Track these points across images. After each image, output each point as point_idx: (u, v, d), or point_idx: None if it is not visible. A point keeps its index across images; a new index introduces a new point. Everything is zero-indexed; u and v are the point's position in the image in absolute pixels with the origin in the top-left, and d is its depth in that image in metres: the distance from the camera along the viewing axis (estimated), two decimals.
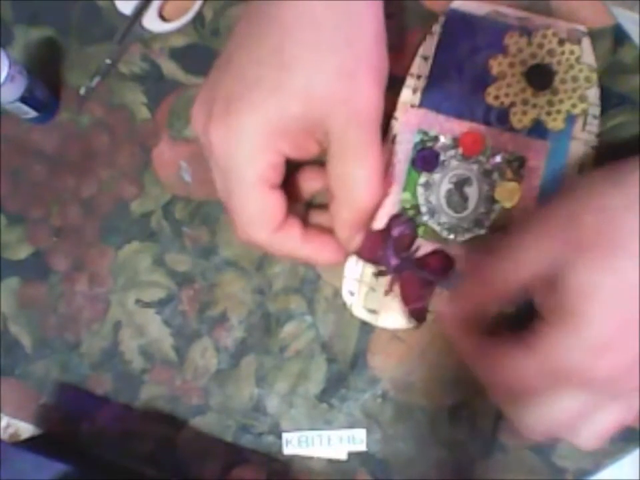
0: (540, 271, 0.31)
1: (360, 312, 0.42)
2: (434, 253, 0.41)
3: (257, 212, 0.34)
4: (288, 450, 0.42)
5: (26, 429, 0.44)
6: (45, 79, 0.45)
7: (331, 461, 0.42)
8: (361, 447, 0.42)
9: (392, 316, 0.41)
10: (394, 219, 0.41)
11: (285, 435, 0.42)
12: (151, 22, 0.46)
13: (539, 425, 0.32)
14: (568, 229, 0.31)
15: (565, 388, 0.31)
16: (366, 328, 0.42)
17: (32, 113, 0.44)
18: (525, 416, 0.33)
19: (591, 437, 0.32)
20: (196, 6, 0.46)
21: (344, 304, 0.42)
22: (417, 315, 0.41)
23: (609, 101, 0.41)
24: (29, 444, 0.43)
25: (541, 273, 0.31)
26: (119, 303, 0.44)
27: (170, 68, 0.46)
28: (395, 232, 0.40)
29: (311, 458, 0.42)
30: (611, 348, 0.29)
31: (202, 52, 0.46)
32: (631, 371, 0.30)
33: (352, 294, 0.42)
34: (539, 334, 0.31)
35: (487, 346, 0.33)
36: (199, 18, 0.46)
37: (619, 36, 0.42)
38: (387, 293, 0.41)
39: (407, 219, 0.41)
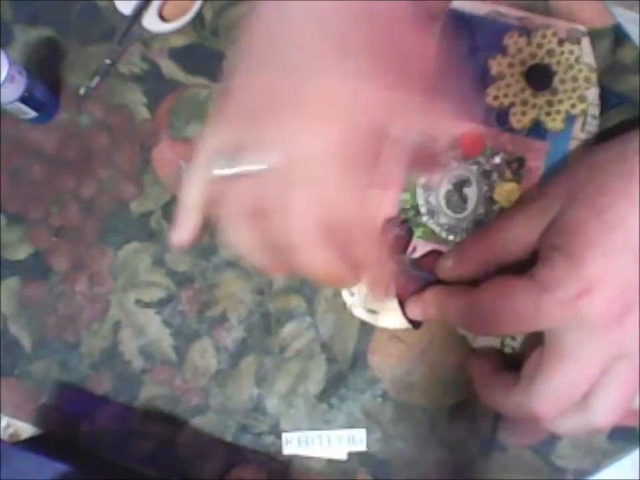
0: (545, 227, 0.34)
1: (360, 312, 0.42)
2: (430, 253, 0.41)
3: None
4: (288, 450, 0.42)
5: (26, 429, 0.44)
6: (45, 78, 0.45)
7: (330, 461, 0.42)
8: (361, 447, 0.42)
9: (392, 316, 0.41)
10: (389, 222, 0.41)
11: (284, 435, 0.42)
12: (151, 22, 0.46)
13: (553, 394, 0.32)
14: (567, 185, 0.34)
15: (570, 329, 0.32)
16: (366, 328, 0.42)
17: (32, 113, 0.44)
18: (540, 385, 0.33)
19: (605, 409, 0.32)
20: (196, 6, 0.46)
21: (344, 304, 0.42)
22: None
23: (609, 101, 0.41)
24: (29, 444, 0.43)
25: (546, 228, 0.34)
26: (119, 303, 0.44)
27: (170, 68, 0.46)
28: (391, 234, 0.40)
29: (310, 458, 0.42)
30: (604, 281, 0.31)
31: (202, 52, 0.46)
32: (630, 309, 0.31)
33: (352, 294, 0.42)
34: (540, 271, 0.32)
35: (495, 284, 0.34)
36: (198, 18, 0.46)
37: (618, 36, 0.42)
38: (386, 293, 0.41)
39: (401, 221, 0.41)
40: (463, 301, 0.35)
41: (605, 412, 0.32)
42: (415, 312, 0.38)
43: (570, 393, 0.32)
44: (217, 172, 0.28)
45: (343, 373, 0.42)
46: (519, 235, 0.35)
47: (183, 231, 0.31)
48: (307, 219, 0.28)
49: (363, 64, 0.27)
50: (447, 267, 0.37)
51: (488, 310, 0.33)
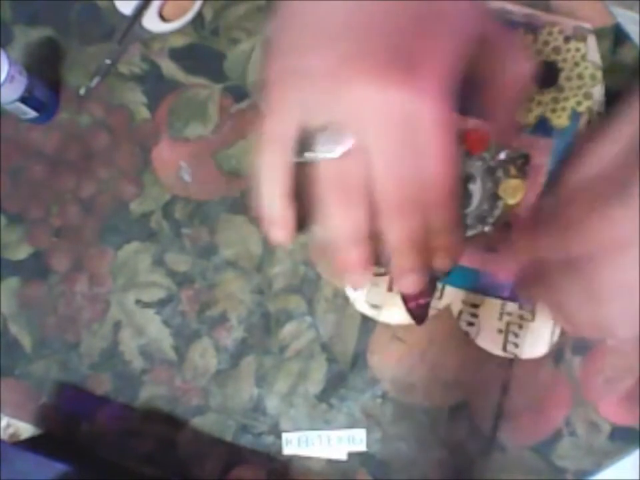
0: None
1: (363, 307, 0.42)
2: None
3: None
4: (288, 450, 0.42)
5: (26, 429, 0.44)
6: (45, 78, 0.45)
7: (330, 461, 0.42)
8: (361, 447, 0.42)
9: (394, 311, 0.41)
10: None
11: (284, 435, 0.42)
12: (151, 22, 0.46)
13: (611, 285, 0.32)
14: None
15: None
16: (366, 328, 0.42)
17: (32, 113, 0.44)
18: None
19: None
20: (196, 6, 0.46)
21: (344, 304, 0.42)
22: (418, 312, 0.41)
23: (609, 100, 0.41)
24: (29, 444, 0.43)
25: None
26: (119, 303, 0.44)
27: (170, 68, 0.46)
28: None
29: (310, 458, 0.42)
30: None
31: (202, 52, 0.46)
32: None
33: (355, 289, 0.42)
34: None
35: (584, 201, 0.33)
36: (198, 18, 0.46)
37: (618, 36, 0.42)
38: (389, 288, 0.41)
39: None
40: (550, 226, 0.33)
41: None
42: (507, 264, 0.37)
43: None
44: (316, 155, 0.27)
45: (343, 373, 0.42)
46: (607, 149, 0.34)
47: (285, 226, 0.29)
48: (396, 189, 0.27)
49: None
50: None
51: (580, 224, 0.32)
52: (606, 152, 0.34)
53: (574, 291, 0.33)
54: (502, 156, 0.41)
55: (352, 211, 0.28)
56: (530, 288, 0.35)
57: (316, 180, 0.28)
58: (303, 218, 0.29)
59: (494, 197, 0.41)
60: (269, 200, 0.29)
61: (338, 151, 0.27)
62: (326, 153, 0.27)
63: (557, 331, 0.41)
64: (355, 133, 0.27)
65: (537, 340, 0.41)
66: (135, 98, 0.46)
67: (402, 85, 0.26)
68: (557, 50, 0.41)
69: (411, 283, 0.31)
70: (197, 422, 0.43)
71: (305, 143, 0.27)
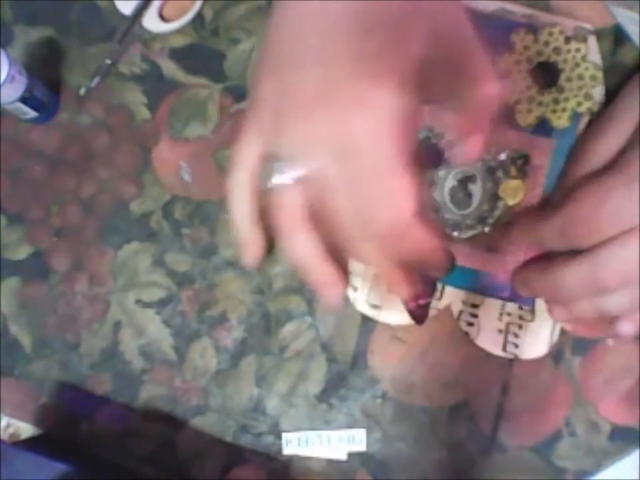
0: None
1: (363, 307, 0.42)
2: None
3: None
4: (288, 450, 0.42)
5: (26, 429, 0.44)
6: (45, 78, 0.45)
7: (330, 461, 0.42)
8: (361, 447, 0.42)
9: (394, 311, 0.41)
10: None
11: (284, 435, 0.42)
12: (151, 22, 0.46)
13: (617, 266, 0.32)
14: None
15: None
16: (366, 328, 0.42)
17: (32, 113, 0.44)
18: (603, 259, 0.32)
19: None
20: (196, 6, 0.46)
21: (344, 303, 0.42)
22: (418, 312, 0.41)
23: (609, 101, 0.41)
24: (29, 444, 0.43)
25: None
26: (119, 303, 0.44)
27: (170, 68, 0.46)
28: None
29: (310, 458, 0.42)
30: None
31: (202, 52, 0.46)
32: None
33: (355, 289, 0.42)
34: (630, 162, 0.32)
35: (586, 192, 0.33)
36: (198, 18, 0.46)
37: (618, 36, 0.42)
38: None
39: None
40: (555, 220, 0.33)
41: None
42: (506, 247, 0.37)
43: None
44: (272, 182, 0.27)
45: (343, 373, 0.42)
46: (610, 142, 0.34)
47: (251, 249, 0.30)
48: (352, 219, 0.27)
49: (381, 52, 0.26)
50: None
51: (586, 218, 0.32)
52: (610, 145, 0.34)
53: (577, 282, 0.33)
54: (502, 156, 0.41)
55: (307, 237, 0.28)
56: (531, 282, 0.35)
57: (274, 206, 0.28)
58: (272, 240, 0.29)
59: (494, 198, 0.41)
60: (237, 222, 0.29)
61: (289, 177, 0.27)
62: (280, 180, 0.27)
63: (557, 331, 0.41)
64: (306, 160, 0.26)
65: (537, 340, 0.41)
66: (135, 98, 0.46)
67: (350, 111, 0.26)
68: (557, 50, 0.41)
69: (404, 291, 0.30)
70: (197, 422, 0.43)
71: (269, 169, 0.27)
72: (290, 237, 0.28)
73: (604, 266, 0.32)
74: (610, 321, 0.34)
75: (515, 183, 0.41)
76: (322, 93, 0.26)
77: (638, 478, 0.40)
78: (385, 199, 0.27)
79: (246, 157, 0.29)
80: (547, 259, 0.34)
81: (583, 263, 0.32)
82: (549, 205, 0.34)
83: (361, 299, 0.42)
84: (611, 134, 0.35)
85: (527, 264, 0.36)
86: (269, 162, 0.27)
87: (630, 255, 0.31)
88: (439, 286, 0.41)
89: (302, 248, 0.28)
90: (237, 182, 0.29)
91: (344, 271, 0.29)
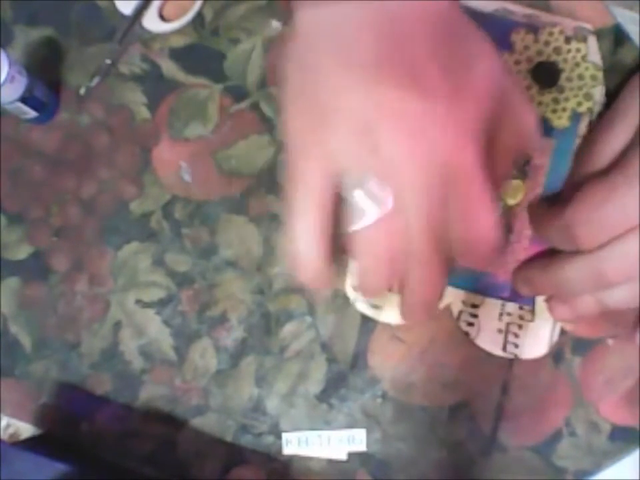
0: None
1: (363, 307, 0.42)
2: None
3: None
4: (288, 450, 0.42)
5: (26, 429, 0.44)
6: (45, 78, 0.45)
7: (330, 461, 0.42)
8: (361, 447, 0.42)
9: (394, 311, 0.41)
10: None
11: (284, 435, 0.42)
12: (151, 22, 0.46)
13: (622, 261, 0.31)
14: None
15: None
16: (366, 328, 0.42)
17: (32, 113, 0.44)
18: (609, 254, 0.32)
19: None
20: (196, 6, 0.46)
21: (344, 304, 0.42)
22: None
23: (609, 101, 0.41)
24: (29, 444, 0.43)
25: None
26: (119, 303, 0.44)
27: (170, 68, 0.46)
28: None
29: (310, 458, 0.42)
30: None
31: (202, 52, 0.46)
32: None
33: (355, 288, 0.42)
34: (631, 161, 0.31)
35: (592, 191, 0.32)
36: (198, 18, 0.46)
37: (618, 36, 0.42)
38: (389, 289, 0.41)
39: None
40: (560, 220, 0.33)
41: None
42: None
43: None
44: (355, 227, 0.25)
45: (343, 373, 0.42)
46: (613, 143, 0.34)
47: (322, 284, 0.28)
48: (433, 252, 0.26)
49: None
50: None
51: (589, 219, 0.31)
52: (613, 145, 0.34)
53: (581, 277, 0.33)
54: None
55: (384, 272, 0.27)
56: (533, 279, 0.35)
57: (351, 240, 0.26)
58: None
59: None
60: (300, 240, 0.27)
61: (373, 215, 0.25)
62: (360, 219, 0.25)
63: (557, 331, 0.41)
64: (392, 189, 0.24)
65: (537, 340, 0.41)
66: (135, 98, 0.46)
67: (443, 131, 0.24)
68: (557, 50, 0.41)
69: (424, 312, 0.30)
70: (197, 422, 0.43)
71: (353, 188, 0.25)
72: (368, 271, 0.27)
73: (608, 260, 0.31)
74: (610, 319, 0.34)
75: (515, 183, 0.41)
76: (422, 107, 0.24)
77: (638, 478, 0.40)
78: (480, 224, 0.26)
79: (311, 186, 0.26)
80: (549, 255, 0.34)
81: (586, 258, 0.32)
82: (554, 203, 0.34)
83: (361, 298, 0.42)
84: (615, 133, 0.35)
85: (528, 262, 0.36)
86: (352, 181, 0.25)
87: (633, 250, 0.31)
88: None
89: (375, 280, 0.27)
90: (303, 214, 0.26)
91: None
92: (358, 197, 0.25)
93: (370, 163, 0.25)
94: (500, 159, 0.28)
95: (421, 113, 0.24)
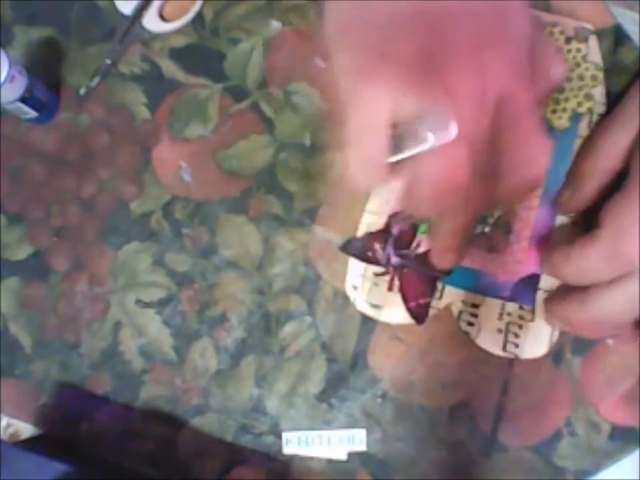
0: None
1: (363, 307, 0.42)
2: None
3: None
4: (288, 450, 0.42)
5: (26, 429, 0.44)
6: (45, 78, 0.45)
7: (330, 461, 0.42)
8: (361, 447, 0.42)
9: (395, 311, 0.41)
10: (393, 217, 0.41)
11: (284, 435, 0.42)
12: (151, 22, 0.46)
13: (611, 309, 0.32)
14: None
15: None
16: (366, 328, 0.42)
17: (32, 113, 0.45)
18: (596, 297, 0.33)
19: None
20: (196, 6, 0.46)
21: (344, 304, 0.42)
22: (418, 312, 0.41)
23: (609, 101, 0.41)
24: (29, 444, 0.43)
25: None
26: (119, 303, 0.44)
27: (170, 68, 0.46)
28: (395, 230, 0.40)
29: (310, 458, 0.42)
30: None
31: (202, 52, 0.46)
32: None
33: (355, 288, 0.42)
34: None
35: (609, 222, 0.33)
36: (198, 18, 0.46)
37: (619, 36, 0.42)
38: (389, 288, 0.41)
39: (406, 216, 0.41)
40: (584, 249, 0.34)
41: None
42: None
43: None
44: (412, 152, 0.25)
45: (343, 373, 0.42)
46: (618, 140, 0.35)
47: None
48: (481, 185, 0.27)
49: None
50: (566, 197, 0.38)
51: (613, 247, 0.32)
52: (618, 144, 0.35)
53: (621, 310, 0.33)
54: None
55: (438, 200, 0.28)
56: (570, 317, 0.35)
57: (406, 166, 0.27)
58: None
59: None
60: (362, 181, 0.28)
61: (435, 142, 0.25)
62: (418, 145, 0.25)
63: (557, 331, 0.41)
64: (454, 117, 0.25)
65: (537, 340, 0.41)
66: (135, 98, 0.46)
67: (496, 65, 0.26)
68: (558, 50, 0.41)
69: (449, 261, 0.33)
70: (197, 422, 0.43)
71: (396, 138, 0.26)
72: (432, 206, 0.28)
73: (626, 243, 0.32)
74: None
75: None
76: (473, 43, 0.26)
77: (638, 478, 0.40)
78: (531, 154, 0.28)
79: (369, 125, 0.27)
80: (581, 290, 0.34)
81: (627, 286, 0.32)
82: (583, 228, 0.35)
83: (361, 298, 0.42)
84: (618, 132, 0.36)
85: (560, 296, 0.36)
86: (401, 129, 0.26)
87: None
88: (439, 286, 0.41)
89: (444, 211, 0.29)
90: (361, 154, 0.27)
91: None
92: (420, 124, 0.25)
93: (433, 94, 0.26)
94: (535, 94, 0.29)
95: (478, 52, 0.26)
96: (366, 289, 0.42)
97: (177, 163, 0.45)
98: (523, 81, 0.27)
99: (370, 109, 0.27)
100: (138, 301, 0.44)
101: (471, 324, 0.41)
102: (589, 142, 0.39)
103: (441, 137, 0.25)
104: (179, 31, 0.46)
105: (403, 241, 0.41)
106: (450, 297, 0.41)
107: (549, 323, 0.39)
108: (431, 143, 0.25)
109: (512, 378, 0.41)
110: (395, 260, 0.40)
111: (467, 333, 0.41)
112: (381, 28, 0.26)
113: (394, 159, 0.26)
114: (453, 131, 0.25)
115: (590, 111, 0.41)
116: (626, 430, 0.40)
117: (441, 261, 0.34)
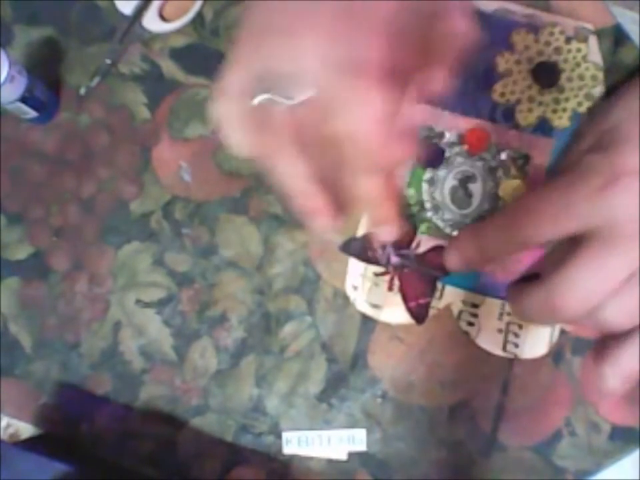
0: None
1: (363, 306, 0.42)
2: (434, 248, 0.41)
3: None
4: (288, 450, 0.42)
5: (26, 429, 0.44)
6: (45, 78, 0.45)
7: (330, 461, 0.42)
8: (361, 447, 0.42)
9: (394, 311, 0.41)
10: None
11: (284, 435, 0.42)
12: (151, 22, 0.46)
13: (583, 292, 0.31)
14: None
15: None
16: (366, 328, 0.42)
17: (32, 113, 0.44)
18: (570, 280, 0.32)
19: (618, 312, 0.32)
20: (196, 6, 0.46)
21: (344, 304, 0.42)
22: (418, 312, 0.41)
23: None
24: (29, 444, 0.43)
25: None
26: (119, 303, 0.44)
27: (170, 68, 0.46)
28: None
29: (310, 458, 0.42)
30: (635, 172, 0.29)
31: (202, 52, 0.46)
32: None
33: (355, 288, 0.42)
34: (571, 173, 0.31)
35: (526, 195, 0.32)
36: (198, 18, 0.46)
37: (619, 36, 0.42)
38: (389, 288, 0.41)
39: (406, 216, 0.41)
40: (498, 222, 0.32)
41: (617, 314, 0.31)
42: (454, 260, 0.37)
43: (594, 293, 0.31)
44: (260, 99, 0.27)
45: (343, 373, 0.42)
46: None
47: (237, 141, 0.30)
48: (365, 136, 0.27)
49: None
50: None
51: (524, 219, 0.31)
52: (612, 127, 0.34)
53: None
54: (502, 156, 0.41)
55: (304, 160, 0.28)
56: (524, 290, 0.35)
57: (272, 125, 0.28)
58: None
59: (494, 197, 0.41)
60: (233, 139, 0.29)
61: (296, 98, 0.27)
62: (284, 99, 0.27)
63: (557, 331, 0.41)
64: (311, 83, 0.26)
65: (537, 340, 0.41)
66: (135, 98, 0.46)
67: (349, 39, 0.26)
68: (558, 50, 0.41)
69: (387, 232, 0.31)
70: (197, 422, 0.43)
71: (262, 89, 0.27)
72: (280, 160, 0.28)
73: (561, 294, 0.31)
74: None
75: (515, 182, 0.41)
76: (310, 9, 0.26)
77: (638, 478, 0.40)
78: (364, 105, 0.27)
79: (239, 81, 0.28)
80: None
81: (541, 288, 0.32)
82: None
83: (361, 298, 0.42)
84: (611, 120, 0.35)
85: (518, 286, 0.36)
86: (262, 82, 0.27)
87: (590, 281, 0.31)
88: (439, 286, 0.41)
89: (290, 170, 0.29)
90: (228, 107, 0.29)
91: (335, 203, 0.29)
92: (279, 86, 0.27)
93: (291, 61, 0.27)
94: (437, 51, 0.29)
95: (332, 17, 0.26)
96: (366, 289, 0.42)
97: (177, 162, 0.45)
98: (379, 43, 0.26)
99: (240, 67, 0.29)
100: (138, 301, 0.44)
101: (470, 324, 0.41)
102: (582, 128, 0.37)
103: (304, 93, 0.27)
104: (179, 31, 0.46)
105: (403, 241, 0.41)
106: (450, 296, 0.41)
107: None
108: (296, 99, 0.27)
109: (512, 378, 0.41)
110: (394, 260, 0.40)
111: (466, 333, 0.41)
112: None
113: (257, 100, 0.28)
114: (303, 95, 0.27)
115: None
116: (626, 430, 0.40)
117: (383, 234, 0.32)
